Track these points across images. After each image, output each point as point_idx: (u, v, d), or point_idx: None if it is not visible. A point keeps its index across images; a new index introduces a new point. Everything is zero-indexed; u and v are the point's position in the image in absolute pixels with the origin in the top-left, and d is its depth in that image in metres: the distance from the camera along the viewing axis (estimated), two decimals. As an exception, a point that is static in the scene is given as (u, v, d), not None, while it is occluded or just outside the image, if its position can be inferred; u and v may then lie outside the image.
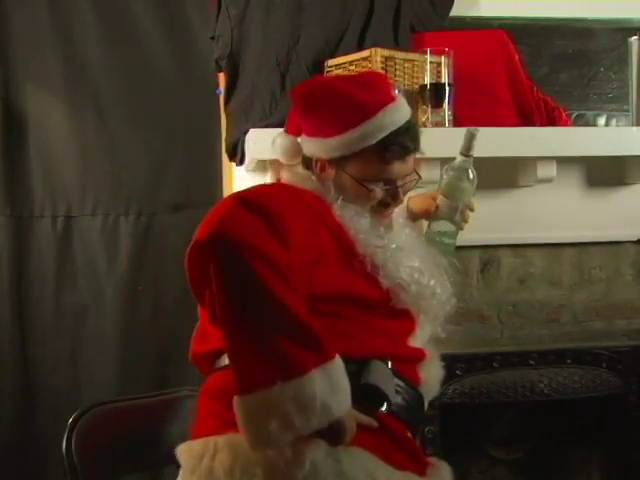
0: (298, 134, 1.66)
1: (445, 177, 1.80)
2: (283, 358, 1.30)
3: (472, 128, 1.77)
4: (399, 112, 1.59)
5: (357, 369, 1.47)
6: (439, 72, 2.28)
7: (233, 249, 1.31)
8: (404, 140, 1.56)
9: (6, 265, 2.55)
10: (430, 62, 2.27)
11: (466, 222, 1.80)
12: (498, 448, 2.68)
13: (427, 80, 2.27)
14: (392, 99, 1.60)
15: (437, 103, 2.26)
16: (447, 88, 2.26)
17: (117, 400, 1.91)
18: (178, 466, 1.49)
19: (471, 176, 1.79)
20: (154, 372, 2.58)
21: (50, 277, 2.58)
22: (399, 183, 1.59)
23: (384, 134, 1.54)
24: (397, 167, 1.57)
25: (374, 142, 1.54)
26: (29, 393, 2.56)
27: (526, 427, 2.68)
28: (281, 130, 1.72)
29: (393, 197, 1.60)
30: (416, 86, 2.30)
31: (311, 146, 1.62)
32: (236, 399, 1.33)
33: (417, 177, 1.63)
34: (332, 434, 1.36)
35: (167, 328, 2.56)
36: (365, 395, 1.46)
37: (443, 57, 2.28)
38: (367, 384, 1.47)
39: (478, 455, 2.67)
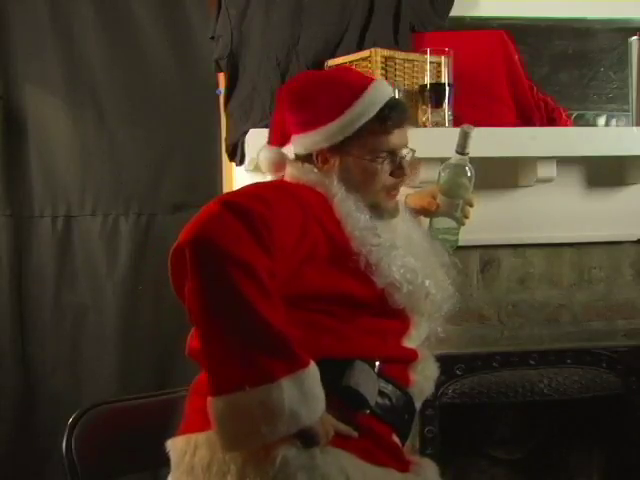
0: (284, 143, 1.66)
1: (442, 175, 1.80)
2: (253, 365, 1.31)
3: (466, 126, 1.77)
4: (384, 88, 1.64)
5: (340, 370, 1.47)
6: (439, 72, 2.28)
7: (210, 254, 1.32)
8: (398, 110, 1.61)
9: (6, 265, 2.55)
10: (430, 62, 2.27)
11: (467, 218, 1.81)
12: (498, 448, 2.68)
13: (427, 80, 2.27)
14: (372, 79, 1.66)
15: (437, 103, 2.26)
16: (447, 88, 2.26)
17: (117, 400, 1.90)
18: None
19: (469, 173, 1.79)
20: (154, 372, 2.58)
21: (50, 277, 2.57)
22: (401, 154, 1.62)
23: (379, 106, 1.58)
24: (398, 136, 1.61)
25: (372, 115, 1.58)
26: (29, 393, 2.56)
27: (526, 427, 2.68)
28: (264, 144, 1.73)
29: (399, 168, 1.62)
30: (416, 86, 2.30)
31: (309, 141, 1.61)
32: (208, 400, 1.34)
33: (412, 151, 1.65)
34: (304, 439, 1.37)
35: (167, 328, 2.56)
36: (345, 397, 1.47)
37: (443, 57, 2.28)
38: (348, 387, 1.47)
39: (478, 455, 2.68)
